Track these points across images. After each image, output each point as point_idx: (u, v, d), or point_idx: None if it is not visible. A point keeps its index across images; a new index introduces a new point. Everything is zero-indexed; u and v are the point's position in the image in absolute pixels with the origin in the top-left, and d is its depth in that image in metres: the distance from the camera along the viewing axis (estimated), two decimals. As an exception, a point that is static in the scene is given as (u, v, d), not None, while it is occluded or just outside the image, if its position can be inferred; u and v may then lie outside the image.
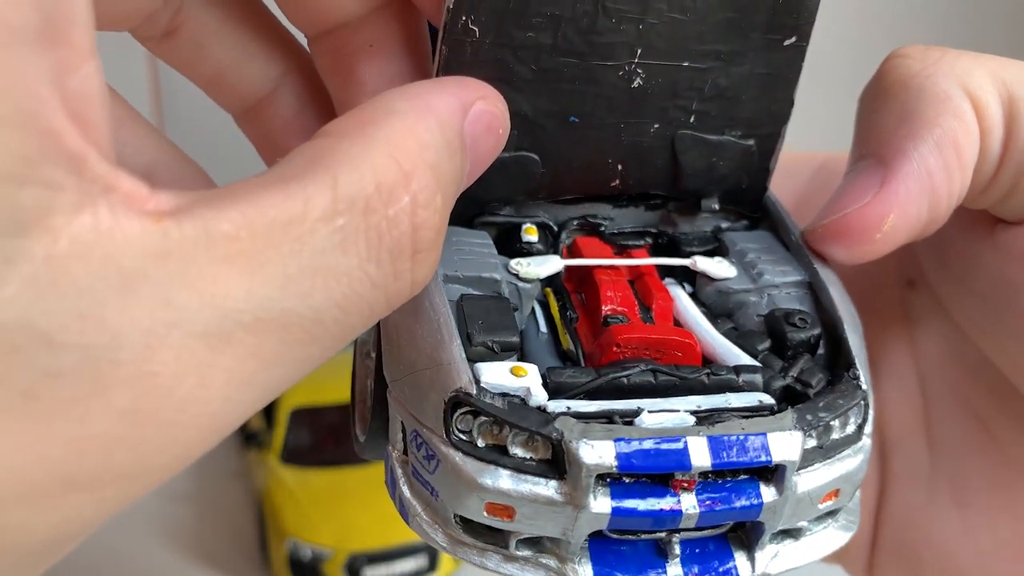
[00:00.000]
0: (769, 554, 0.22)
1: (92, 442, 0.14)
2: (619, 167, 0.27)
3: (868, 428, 0.23)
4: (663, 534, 0.21)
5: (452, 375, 0.21)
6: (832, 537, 0.24)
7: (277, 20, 0.26)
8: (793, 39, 0.25)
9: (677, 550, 0.21)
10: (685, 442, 0.20)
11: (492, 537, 0.21)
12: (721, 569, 0.22)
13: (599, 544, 0.21)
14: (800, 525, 0.22)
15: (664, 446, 0.20)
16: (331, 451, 0.78)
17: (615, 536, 0.21)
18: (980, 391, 0.27)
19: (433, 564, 0.72)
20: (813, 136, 0.27)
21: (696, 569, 0.21)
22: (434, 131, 0.18)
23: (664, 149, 0.26)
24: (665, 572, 0.21)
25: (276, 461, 0.77)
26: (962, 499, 0.26)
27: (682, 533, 0.21)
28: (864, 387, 0.23)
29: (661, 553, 0.22)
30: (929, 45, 0.24)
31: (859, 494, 0.25)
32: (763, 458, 0.20)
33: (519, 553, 0.21)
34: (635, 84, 0.25)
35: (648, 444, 0.20)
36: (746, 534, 0.22)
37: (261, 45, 0.25)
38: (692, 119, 0.26)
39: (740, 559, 0.22)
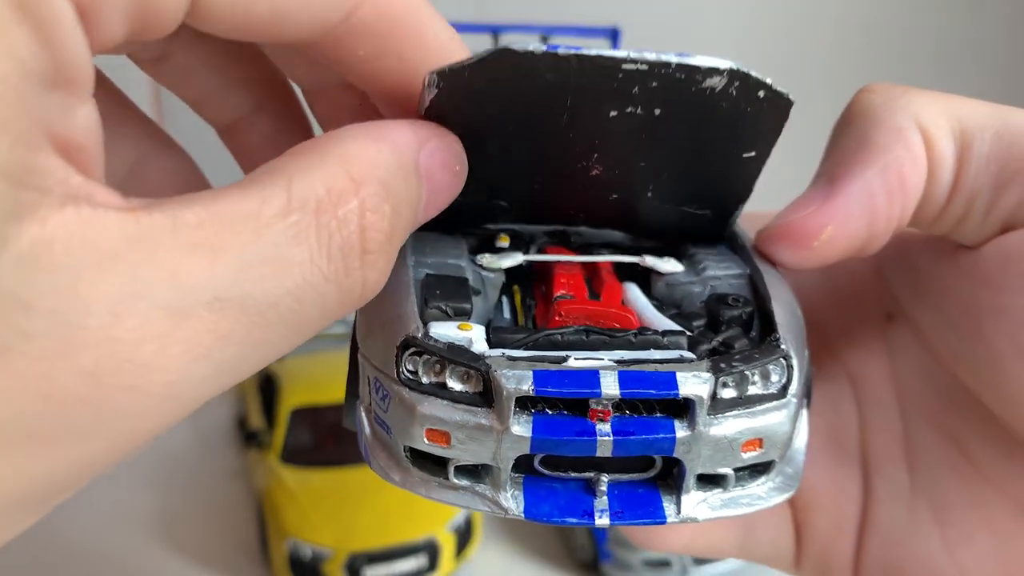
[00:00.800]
0: (695, 499, 0.24)
1: (55, 397, 0.16)
2: (582, 215, 0.29)
3: (794, 388, 0.24)
4: (591, 474, 0.24)
5: (405, 324, 0.23)
6: (765, 494, 0.25)
7: (260, 52, 0.28)
8: (752, 153, 0.26)
9: (604, 488, 0.24)
10: (597, 374, 0.22)
11: (436, 470, 0.24)
12: (646, 508, 0.24)
13: (533, 481, 0.24)
14: (724, 472, 0.24)
15: (577, 378, 0.22)
16: (331, 451, 0.78)
17: (548, 473, 0.24)
18: (957, 416, 0.28)
19: (433, 564, 0.72)
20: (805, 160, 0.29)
21: (621, 506, 0.24)
22: (386, 152, 0.20)
23: (623, 210, 0.28)
24: (592, 508, 0.23)
25: (276, 461, 0.77)
26: (942, 517, 0.28)
27: (610, 474, 0.24)
28: (784, 347, 0.24)
29: (589, 491, 0.24)
30: (895, 84, 0.26)
31: (802, 459, 0.26)
32: (671, 391, 0.22)
33: (458, 482, 0.24)
34: (593, 173, 0.26)
35: (563, 376, 0.22)
36: (674, 480, 0.24)
37: (241, 77, 0.28)
38: (649, 194, 0.27)
39: (667, 503, 0.24)
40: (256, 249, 0.17)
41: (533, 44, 0.21)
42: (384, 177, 0.20)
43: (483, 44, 0.45)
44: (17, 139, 0.15)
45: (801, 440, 0.26)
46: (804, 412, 0.26)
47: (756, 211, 0.31)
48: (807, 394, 0.27)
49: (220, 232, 0.17)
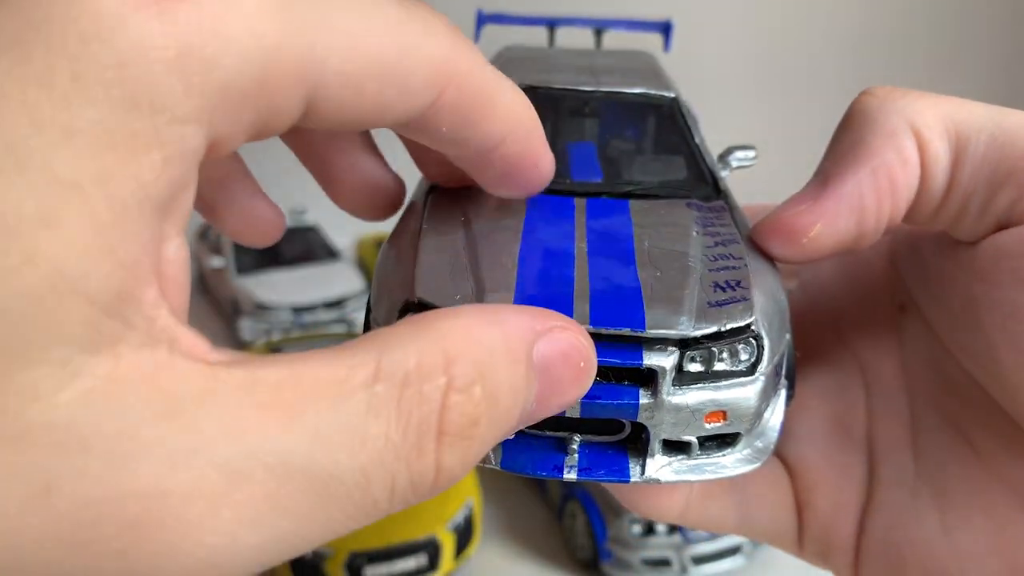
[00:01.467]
0: (660, 463, 0.26)
1: (88, 549, 0.14)
2: None
3: (763, 367, 0.26)
4: (566, 434, 0.26)
5: (406, 288, 0.25)
6: (731, 464, 0.26)
7: None
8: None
9: (575, 446, 0.26)
10: None
11: None
12: (612, 467, 0.26)
13: (513, 437, 0.26)
14: (688, 440, 0.25)
15: None
16: (332, 450, 0.78)
17: (527, 431, 0.25)
18: (962, 405, 0.29)
19: (434, 563, 0.72)
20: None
21: (589, 463, 0.26)
22: (494, 336, 0.19)
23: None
24: (562, 463, 0.26)
25: (277, 460, 0.77)
26: (942, 502, 0.28)
27: (583, 435, 0.26)
28: (754, 328, 0.25)
29: (562, 449, 0.26)
30: (896, 87, 0.27)
31: (776, 436, 0.27)
32: (635, 361, 0.24)
33: None
34: None
35: None
36: (641, 444, 0.26)
37: None
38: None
39: (633, 464, 0.26)
40: (334, 418, 0.17)
41: None
42: (483, 359, 0.19)
43: (539, 37, 0.47)
44: (119, 266, 0.14)
45: (777, 418, 0.28)
46: (782, 392, 0.28)
47: (757, 204, 0.32)
48: (789, 376, 0.28)
49: (299, 396, 0.16)
